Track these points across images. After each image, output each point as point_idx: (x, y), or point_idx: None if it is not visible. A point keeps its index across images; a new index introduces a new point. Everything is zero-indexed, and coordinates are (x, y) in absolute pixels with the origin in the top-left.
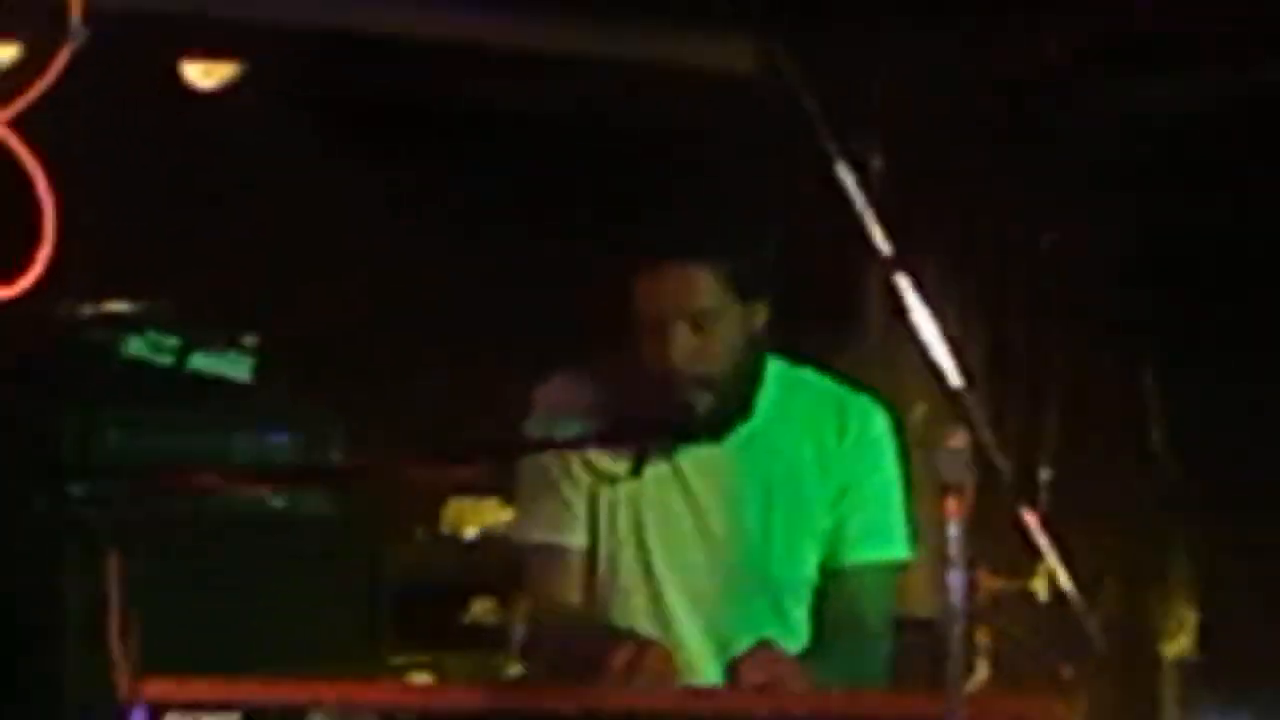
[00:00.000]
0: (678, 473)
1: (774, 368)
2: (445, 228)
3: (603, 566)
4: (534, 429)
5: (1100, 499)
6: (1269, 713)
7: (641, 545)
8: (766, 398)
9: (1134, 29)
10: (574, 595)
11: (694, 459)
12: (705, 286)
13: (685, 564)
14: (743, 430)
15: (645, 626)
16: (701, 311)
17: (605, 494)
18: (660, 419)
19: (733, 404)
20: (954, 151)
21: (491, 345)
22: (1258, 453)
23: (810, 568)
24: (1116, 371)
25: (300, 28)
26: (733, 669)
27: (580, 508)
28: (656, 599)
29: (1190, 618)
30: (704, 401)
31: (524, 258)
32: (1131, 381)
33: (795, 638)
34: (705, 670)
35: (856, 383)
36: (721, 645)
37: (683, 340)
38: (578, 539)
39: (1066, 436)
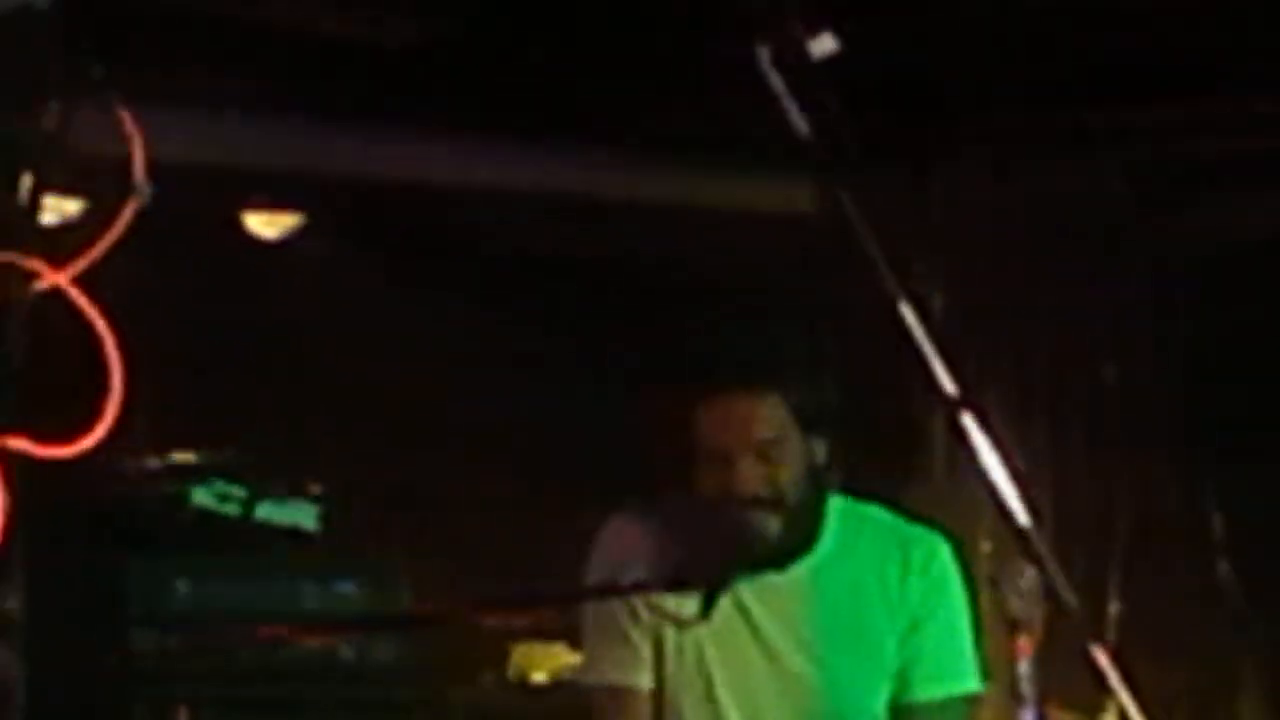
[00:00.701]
0: (742, 609)
1: (837, 503)
2: (509, 372)
3: (670, 706)
4: (599, 570)
5: (1169, 632)
6: None
7: (708, 684)
8: (830, 532)
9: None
10: None
11: (758, 595)
12: (770, 417)
13: (753, 702)
14: (807, 564)
15: None
16: (767, 441)
17: (671, 634)
18: (729, 553)
19: (797, 533)
20: (1013, 286)
21: (555, 488)
22: None
23: (879, 704)
24: (1181, 503)
25: (361, 177)
26: None
27: (646, 649)
28: None
29: None
30: (771, 527)
31: (587, 399)
32: (1196, 512)
33: None
34: None
35: (921, 519)
36: None
37: (750, 470)
38: (644, 680)
39: (1133, 570)
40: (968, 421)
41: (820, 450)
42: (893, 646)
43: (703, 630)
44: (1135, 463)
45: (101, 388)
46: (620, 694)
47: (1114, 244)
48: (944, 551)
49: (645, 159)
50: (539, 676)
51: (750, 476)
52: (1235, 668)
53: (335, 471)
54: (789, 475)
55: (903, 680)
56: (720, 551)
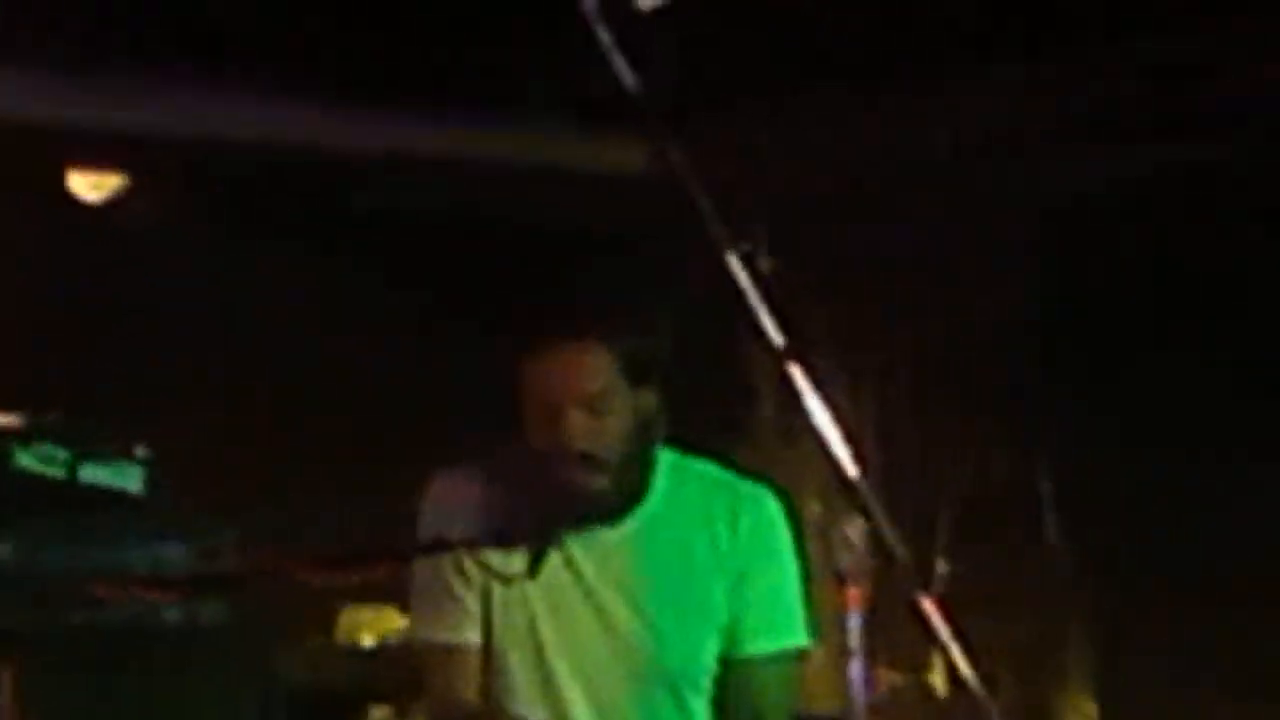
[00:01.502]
0: (571, 563)
1: (666, 457)
2: (336, 329)
3: (499, 663)
4: (427, 527)
5: (996, 591)
6: None
7: (536, 639)
8: (659, 486)
9: (1026, 110)
10: (472, 693)
11: (586, 549)
12: (596, 369)
13: (581, 657)
14: (636, 518)
15: (541, 718)
16: (594, 394)
17: (499, 589)
18: (554, 509)
19: (625, 488)
20: (841, 238)
21: (383, 446)
22: (1157, 543)
23: (709, 658)
24: (1010, 463)
25: (190, 138)
26: None
27: (474, 605)
28: (553, 694)
29: (1089, 708)
30: (598, 483)
31: (421, 353)
32: (1025, 472)
33: None
34: None
35: (750, 472)
36: None
37: (577, 423)
38: (473, 637)
39: (961, 529)
40: (796, 374)
41: (650, 403)
42: (721, 601)
43: (531, 588)
44: (964, 424)
45: None
46: (450, 651)
47: (946, 203)
48: (773, 507)
49: (479, 116)
50: (368, 640)
51: (577, 429)
52: (1063, 625)
53: (162, 433)
54: (616, 428)
55: (732, 635)
56: (548, 507)
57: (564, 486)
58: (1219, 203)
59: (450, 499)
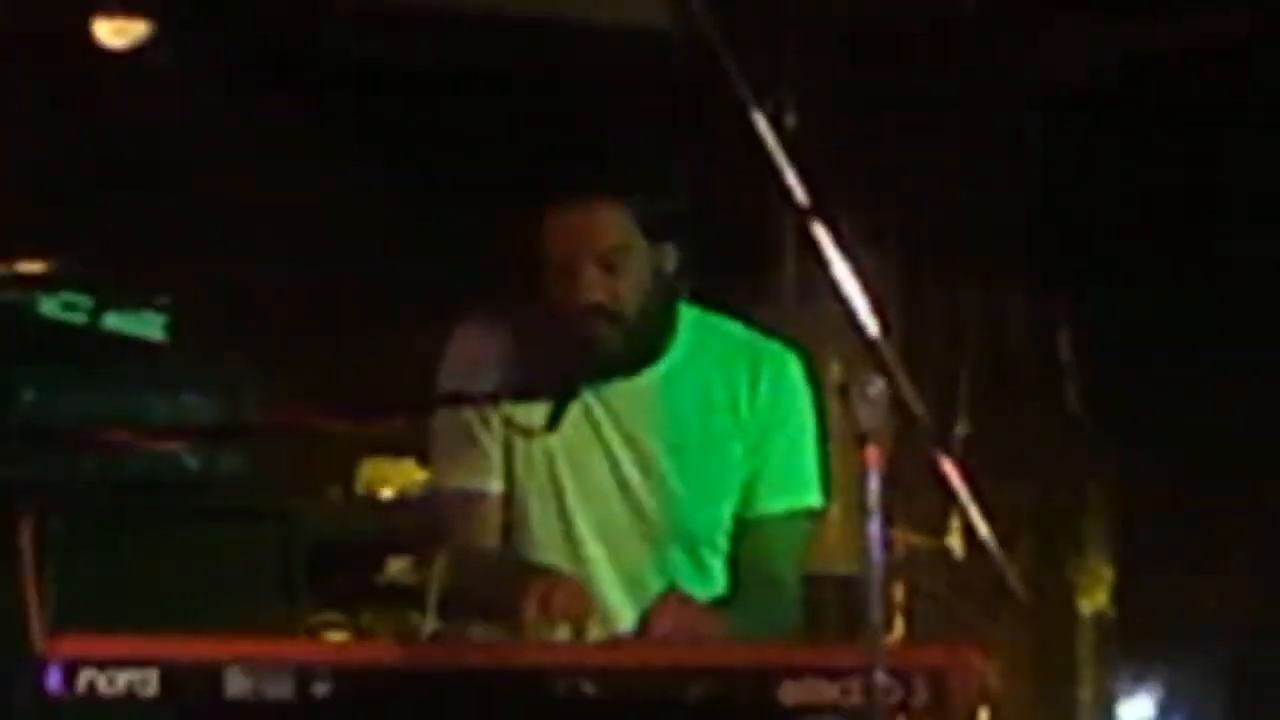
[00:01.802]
0: (591, 418)
1: (688, 314)
2: (358, 185)
3: (520, 514)
4: (448, 379)
5: (1016, 456)
6: (1183, 668)
7: (557, 492)
8: (680, 342)
9: None
10: (492, 541)
11: (607, 404)
12: (612, 225)
13: (600, 511)
14: (656, 374)
15: (560, 572)
16: (609, 250)
17: (521, 442)
18: (573, 363)
19: (643, 343)
20: (866, 110)
21: (406, 300)
22: (1175, 412)
23: (725, 516)
24: (1034, 329)
25: None
26: (644, 619)
27: (496, 454)
28: (572, 546)
29: (1106, 574)
30: (614, 338)
31: (436, 211)
32: (1049, 339)
33: (711, 585)
34: (620, 614)
35: (772, 332)
36: (637, 592)
37: (592, 279)
38: (495, 485)
39: (983, 394)
40: (819, 232)
41: (670, 259)
42: (739, 459)
43: (553, 441)
44: (986, 288)
45: None
46: (471, 498)
47: (968, 71)
48: (794, 366)
49: None
50: (387, 491)
51: (592, 286)
52: (1081, 490)
53: (185, 283)
54: (632, 284)
55: (747, 493)
56: (566, 362)
57: (581, 340)
58: (1236, 78)
59: (472, 352)
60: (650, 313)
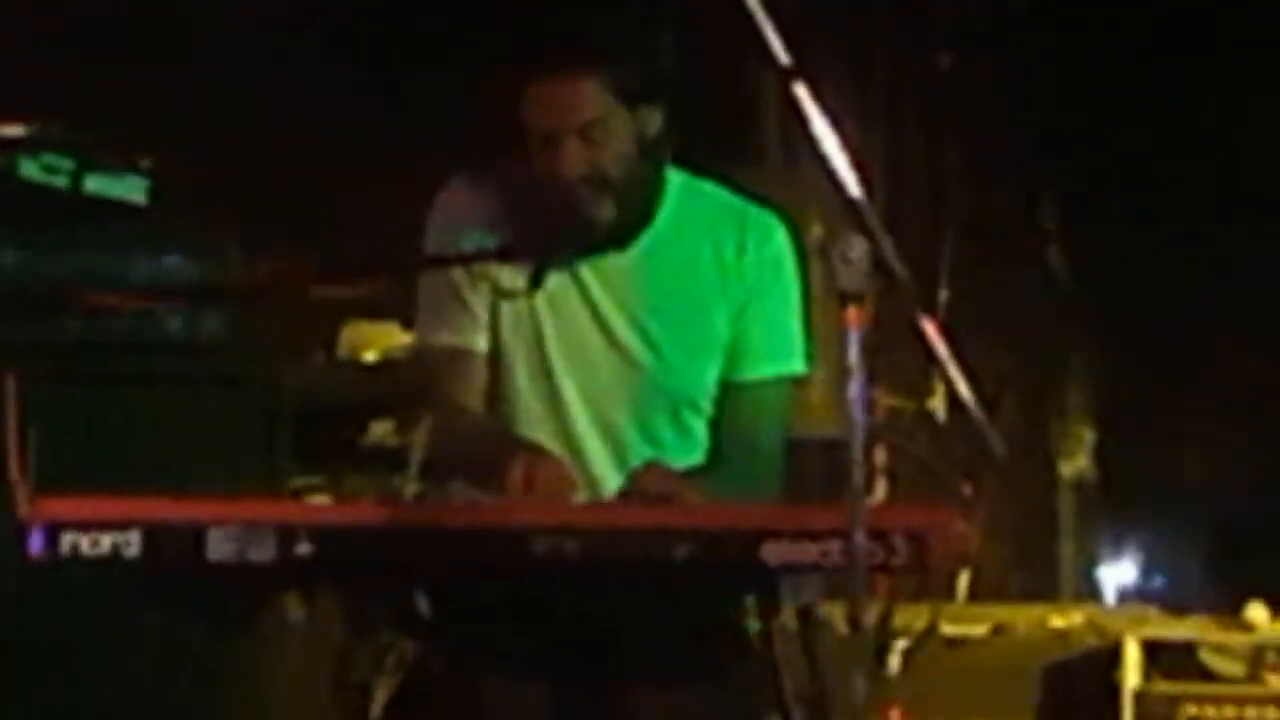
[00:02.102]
0: (579, 282)
1: (675, 179)
2: (337, 47)
3: (505, 379)
4: (434, 237)
5: (999, 319)
6: (1164, 530)
7: (543, 355)
8: (668, 207)
9: None
10: (476, 400)
11: (595, 268)
12: (590, 97)
13: (586, 375)
14: (644, 239)
15: (545, 435)
16: (589, 122)
17: (507, 304)
18: (562, 229)
19: (633, 211)
20: None
21: (389, 160)
22: (1159, 278)
23: (709, 380)
24: (1016, 191)
25: None
26: (627, 488)
27: (482, 312)
28: (557, 408)
29: (1088, 437)
30: (603, 209)
31: (419, 71)
32: (1031, 201)
33: (694, 450)
34: (605, 480)
35: (758, 197)
36: (621, 455)
37: (573, 152)
38: (481, 343)
39: (966, 256)
40: (800, 92)
41: (653, 123)
42: (725, 323)
43: (541, 306)
44: (971, 149)
45: None
46: (455, 354)
47: None
48: (781, 233)
49: None
50: (370, 355)
51: (574, 157)
52: (1063, 354)
53: (166, 145)
54: (615, 153)
55: (732, 357)
56: (554, 226)
57: (567, 212)
58: None
59: (458, 211)
60: (637, 179)
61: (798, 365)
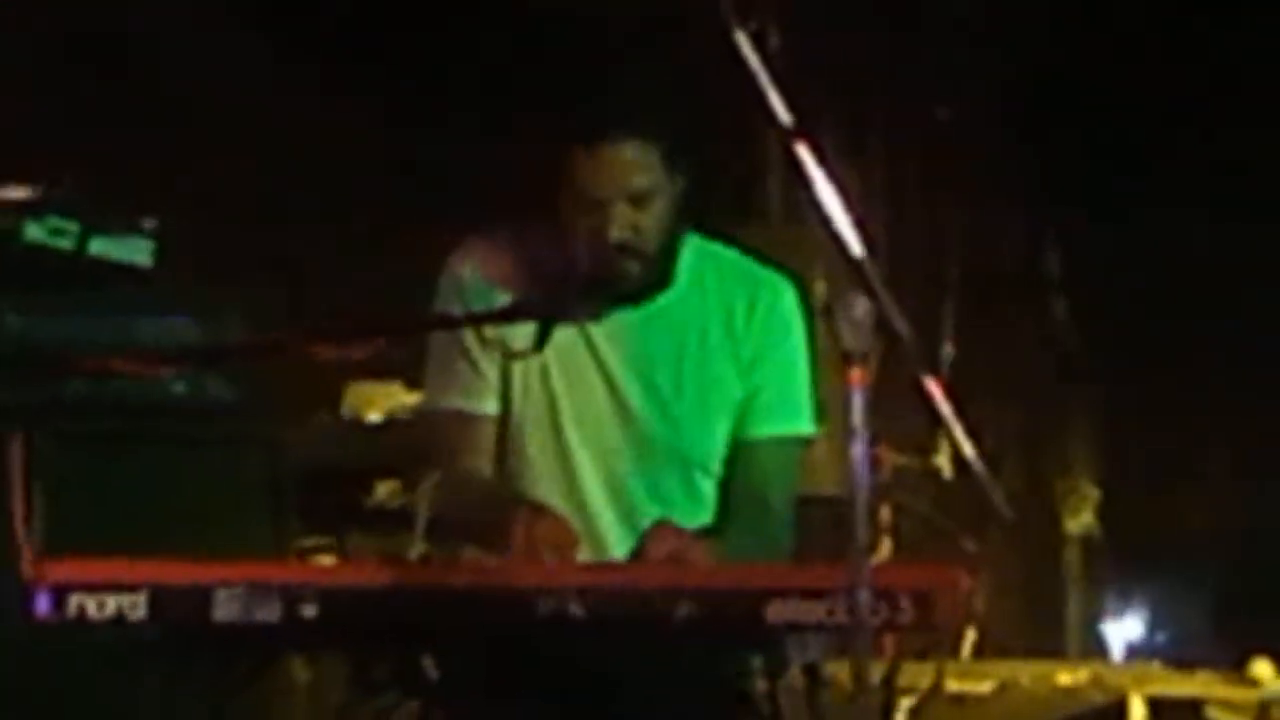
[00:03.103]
0: (589, 342)
1: (690, 241)
2: (346, 116)
3: (515, 439)
4: (444, 298)
5: (1002, 376)
6: (1168, 585)
7: (554, 416)
8: (683, 269)
9: None
10: (484, 462)
11: (605, 328)
12: (645, 166)
13: (596, 435)
14: (658, 302)
15: (554, 497)
16: (641, 191)
17: (518, 366)
18: (583, 286)
19: (658, 274)
20: (850, 28)
21: (391, 226)
22: (1160, 330)
23: (719, 440)
24: (1018, 247)
25: None
26: (637, 549)
27: (493, 375)
28: (567, 469)
29: (1092, 493)
30: (634, 270)
31: (424, 141)
32: (1033, 256)
33: (703, 511)
34: (612, 538)
35: (767, 259)
36: (630, 517)
37: (622, 216)
38: (490, 406)
39: (968, 313)
40: (803, 152)
41: (683, 189)
42: (734, 384)
43: (551, 365)
44: (972, 204)
45: None
46: (464, 419)
47: None
48: (789, 295)
49: None
50: (374, 415)
51: (622, 221)
52: (1066, 409)
53: (172, 208)
54: (657, 219)
55: (742, 417)
56: (565, 284)
57: (604, 274)
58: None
59: (469, 271)
60: (668, 245)
61: (806, 426)
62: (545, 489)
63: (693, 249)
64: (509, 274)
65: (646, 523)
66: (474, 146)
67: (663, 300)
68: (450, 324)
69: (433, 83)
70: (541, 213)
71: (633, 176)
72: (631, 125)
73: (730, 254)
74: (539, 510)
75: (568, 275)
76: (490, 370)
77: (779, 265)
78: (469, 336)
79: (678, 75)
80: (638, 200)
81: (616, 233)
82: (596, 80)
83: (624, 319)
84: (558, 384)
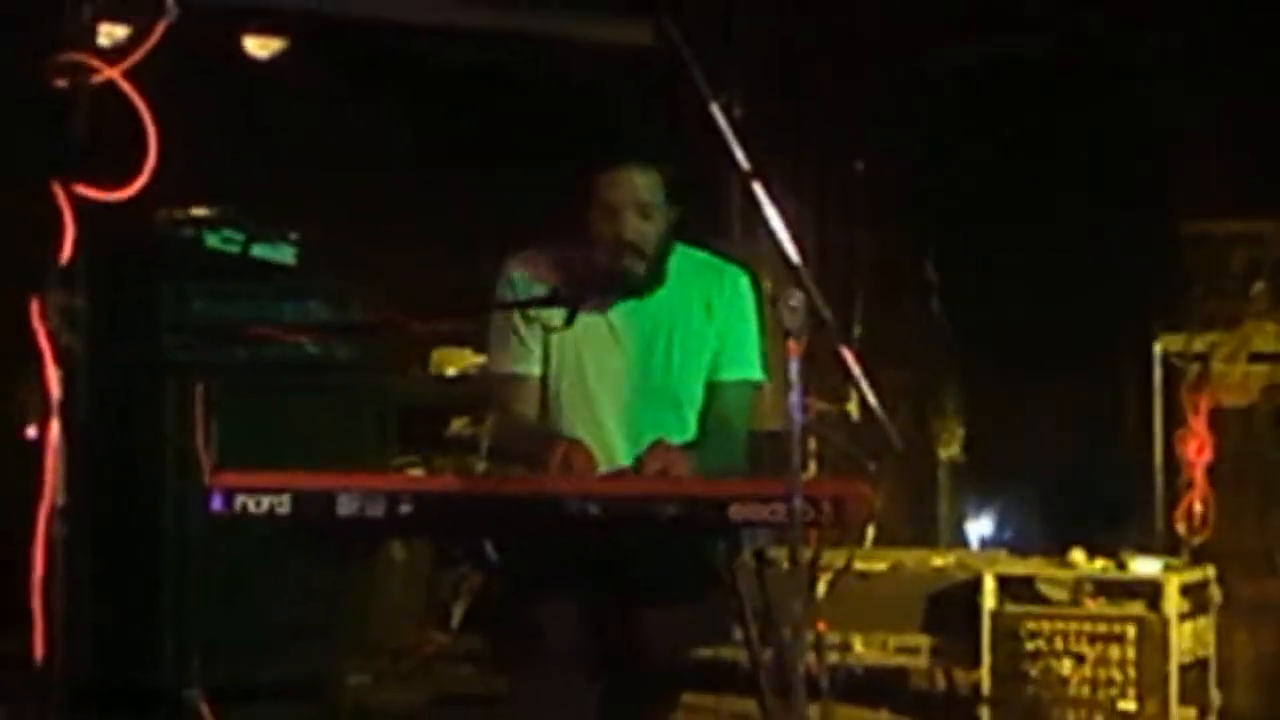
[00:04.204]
0: (610, 325)
1: (677, 248)
2: (428, 154)
3: (553, 393)
4: (502, 290)
5: (896, 348)
6: (1010, 499)
7: (581, 375)
8: (672, 269)
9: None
10: (530, 411)
11: (618, 312)
12: (648, 185)
13: (612, 386)
14: (658, 295)
15: (581, 430)
16: (645, 203)
17: (555, 337)
18: (603, 281)
19: (655, 272)
20: (792, 101)
21: (472, 233)
22: (1008, 316)
23: (699, 385)
24: (908, 259)
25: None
26: (638, 461)
27: (537, 347)
28: (591, 411)
29: (958, 431)
30: (640, 267)
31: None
32: (918, 265)
33: (688, 433)
34: (622, 456)
35: (731, 257)
36: (636, 440)
37: (631, 222)
38: (535, 370)
39: (873, 304)
40: (758, 189)
41: (675, 215)
42: (710, 344)
43: (582, 341)
44: (877, 228)
45: (142, 157)
46: (513, 379)
47: (863, 70)
48: (746, 282)
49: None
50: (450, 370)
51: (631, 226)
52: (941, 371)
53: (310, 223)
54: (656, 229)
55: (713, 366)
56: (599, 282)
57: (616, 269)
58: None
59: (520, 271)
60: (661, 252)
61: (758, 374)
62: (576, 424)
63: (679, 253)
64: (546, 274)
65: (647, 442)
66: (528, 183)
67: (660, 292)
68: (506, 308)
69: (499, 139)
70: (570, 231)
71: (640, 191)
72: (639, 155)
73: (703, 255)
74: (571, 441)
75: (589, 275)
76: (534, 343)
77: (739, 262)
78: (517, 318)
79: (670, 130)
80: (643, 210)
81: (628, 234)
82: (614, 127)
83: (631, 306)
84: (585, 353)
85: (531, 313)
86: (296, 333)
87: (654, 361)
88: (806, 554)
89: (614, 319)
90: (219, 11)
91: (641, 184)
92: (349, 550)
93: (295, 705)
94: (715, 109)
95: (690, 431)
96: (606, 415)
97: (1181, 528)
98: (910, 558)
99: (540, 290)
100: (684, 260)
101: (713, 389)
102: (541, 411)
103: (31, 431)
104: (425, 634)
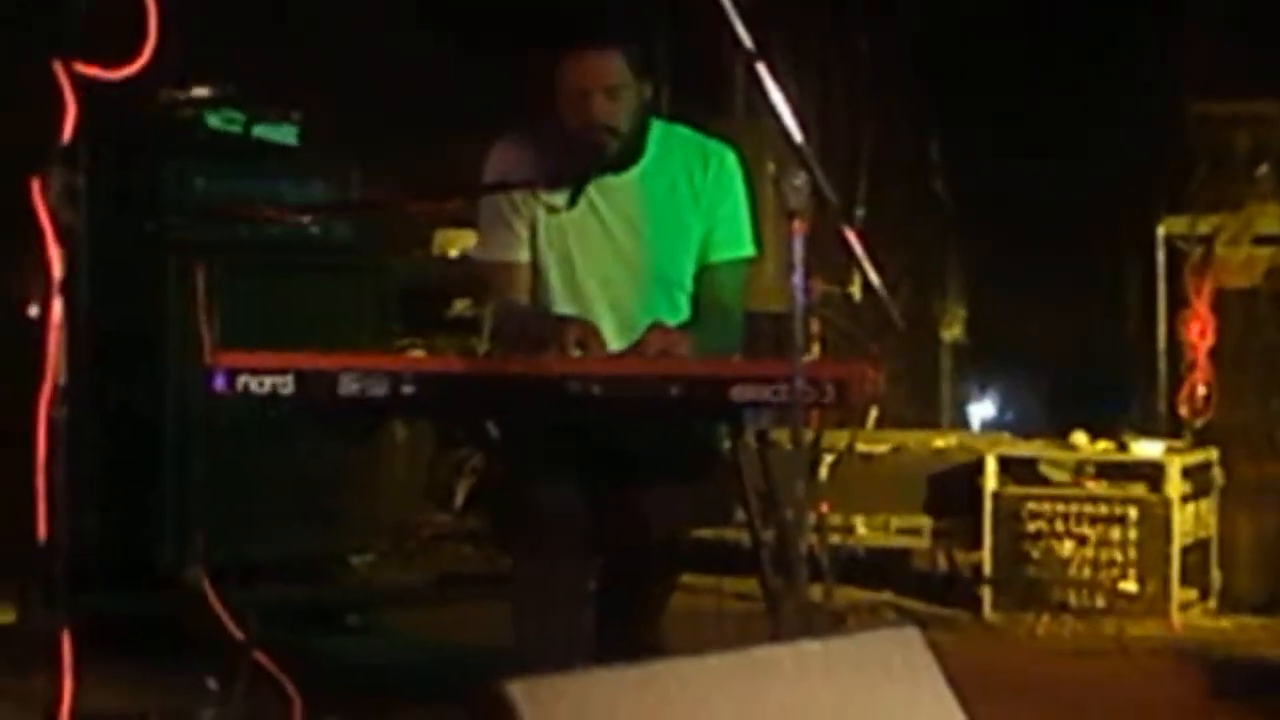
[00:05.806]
0: (592, 205)
1: (657, 126)
2: (431, 39)
3: (542, 276)
4: (491, 175)
5: (899, 228)
6: (1012, 381)
7: (568, 257)
8: (652, 146)
9: None
10: (523, 297)
11: (602, 194)
12: (614, 67)
13: (600, 268)
14: (636, 169)
15: (570, 313)
16: (613, 84)
17: (541, 223)
18: (583, 162)
19: (630, 148)
20: None
21: (463, 118)
22: (1011, 198)
23: (689, 265)
24: (911, 139)
25: None
26: (638, 342)
27: (524, 232)
28: (580, 295)
29: (960, 313)
30: (612, 145)
31: (474, 52)
32: (922, 146)
33: (680, 316)
34: (613, 342)
35: (718, 135)
36: (625, 325)
37: (600, 104)
38: (523, 256)
39: (876, 184)
40: (761, 69)
41: (648, 90)
42: (697, 225)
43: (566, 222)
44: (880, 108)
45: (143, 36)
46: (505, 266)
47: None
48: (732, 157)
49: None
50: (453, 252)
51: (600, 109)
52: (944, 253)
53: (311, 103)
54: (626, 108)
55: (703, 247)
56: (578, 162)
57: (591, 148)
58: None
59: (510, 154)
60: (635, 129)
61: (749, 250)
62: (564, 309)
63: (659, 130)
64: (529, 157)
65: (640, 327)
66: (506, 66)
67: (640, 169)
68: (502, 189)
69: (481, 24)
70: (550, 114)
71: (606, 74)
72: (602, 35)
73: (687, 131)
74: (583, 322)
75: (567, 156)
76: (521, 228)
77: (728, 139)
78: (505, 205)
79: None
80: (611, 92)
81: (598, 115)
82: (579, 7)
83: (614, 184)
84: (570, 234)
85: (530, 196)
86: (297, 212)
87: (640, 241)
88: (809, 435)
89: (598, 200)
90: None
91: (605, 66)
92: (350, 431)
93: (298, 585)
94: None
95: (683, 314)
96: (596, 301)
97: (1184, 410)
98: (912, 439)
99: (521, 174)
100: (667, 136)
101: (705, 272)
102: (531, 300)
103: (34, 310)
104: (428, 514)
